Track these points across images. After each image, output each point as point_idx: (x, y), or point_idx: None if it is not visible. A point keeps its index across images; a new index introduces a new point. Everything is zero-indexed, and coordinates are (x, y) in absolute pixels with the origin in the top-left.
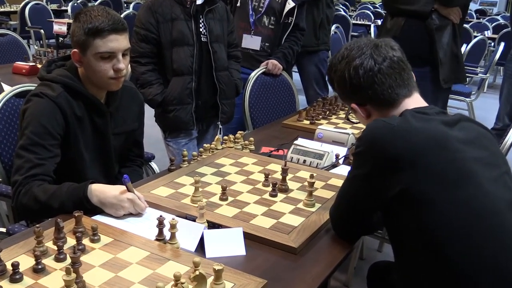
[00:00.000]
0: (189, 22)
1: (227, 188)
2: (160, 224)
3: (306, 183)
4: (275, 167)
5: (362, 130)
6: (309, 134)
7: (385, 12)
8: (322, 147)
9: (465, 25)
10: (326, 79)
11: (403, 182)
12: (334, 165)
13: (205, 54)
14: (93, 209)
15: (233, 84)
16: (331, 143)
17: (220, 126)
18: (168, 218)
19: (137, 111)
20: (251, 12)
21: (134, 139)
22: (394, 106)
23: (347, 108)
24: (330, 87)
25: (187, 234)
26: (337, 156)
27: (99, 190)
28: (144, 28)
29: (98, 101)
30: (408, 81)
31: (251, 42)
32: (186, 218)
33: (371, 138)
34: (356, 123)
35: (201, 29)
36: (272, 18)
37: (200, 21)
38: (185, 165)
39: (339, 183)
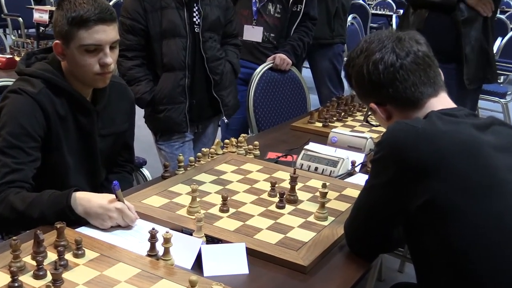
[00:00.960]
0: (181, 11)
1: (228, 198)
2: (153, 238)
3: (317, 194)
4: (283, 175)
5: (381, 134)
6: (322, 138)
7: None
8: (336, 152)
9: (501, 15)
10: (343, 75)
11: (428, 191)
12: (349, 174)
13: (199, 46)
14: (77, 220)
15: (229, 71)
16: (346, 149)
17: (226, 121)
18: (161, 231)
19: (127, 110)
20: (254, 0)
21: (124, 142)
22: (418, 107)
23: (365, 109)
24: (345, 85)
25: (183, 250)
26: (353, 163)
27: (84, 199)
28: (130, 18)
29: (83, 98)
30: (435, 79)
31: (253, 33)
32: (181, 231)
33: (392, 142)
34: (376, 126)
35: (194, 19)
36: (278, 5)
37: (194, 9)
38: (181, 172)
39: (355, 193)
